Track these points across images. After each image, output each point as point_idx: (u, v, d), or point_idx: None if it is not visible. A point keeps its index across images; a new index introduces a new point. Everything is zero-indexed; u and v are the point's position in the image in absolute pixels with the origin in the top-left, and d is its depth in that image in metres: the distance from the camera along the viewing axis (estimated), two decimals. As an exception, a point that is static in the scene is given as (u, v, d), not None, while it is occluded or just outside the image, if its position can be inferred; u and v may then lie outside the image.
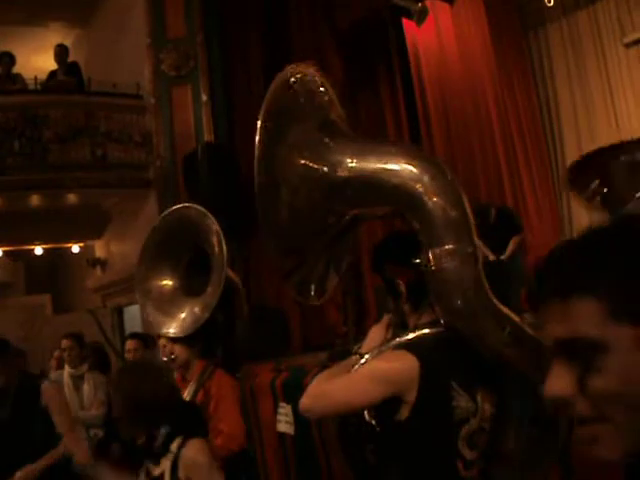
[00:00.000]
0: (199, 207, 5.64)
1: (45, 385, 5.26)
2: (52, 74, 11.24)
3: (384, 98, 11.91)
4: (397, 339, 2.68)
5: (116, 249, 12.19)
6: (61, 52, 11.46)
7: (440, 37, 11.53)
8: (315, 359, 6.44)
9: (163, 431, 3.36)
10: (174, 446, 3.31)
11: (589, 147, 11.32)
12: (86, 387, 6.78)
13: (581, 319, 1.09)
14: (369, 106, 11.82)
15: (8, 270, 14.26)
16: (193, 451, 3.30)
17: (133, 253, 11.26)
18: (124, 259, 11.52)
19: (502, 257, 8.33)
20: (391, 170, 2.57)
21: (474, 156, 11.09)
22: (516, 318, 2.50)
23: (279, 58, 10.64)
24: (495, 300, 2.52)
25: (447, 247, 2.45)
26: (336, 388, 2.54)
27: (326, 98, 2.87)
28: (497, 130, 11.06)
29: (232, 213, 9.23)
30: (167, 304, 5.42)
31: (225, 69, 10.53)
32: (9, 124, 10.10)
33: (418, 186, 2.51)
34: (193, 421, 3.49)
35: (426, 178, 2.52)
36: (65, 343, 6.75)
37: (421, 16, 11.46)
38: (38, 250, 12.91)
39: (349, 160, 2.62)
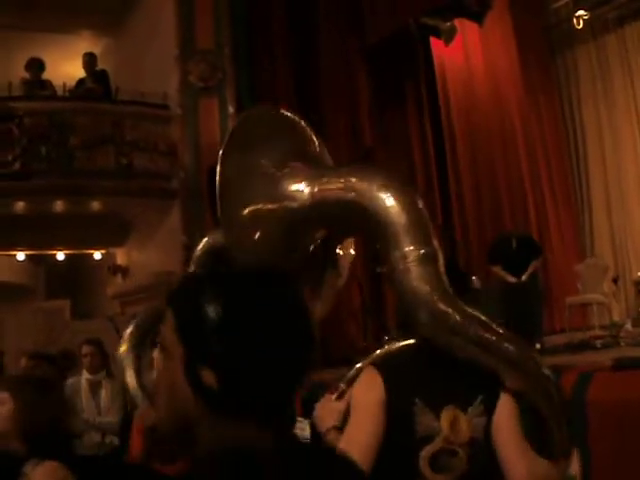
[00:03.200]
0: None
1: None
2: (80, 82, 11.33)
3: (410, 115, 11.91)
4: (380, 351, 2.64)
5: (138, 257, 12.23)
6: (90, 60, 11.55)
7: (468, 56, 11.55)
8: (335, 374, 6.42)
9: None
10: (28, 468, 3.00)
11: (614, 170, 11.34)
12: (104, 393, 6.79)
13: None
14: (395, 123, 11.83)
15: (29, 274, 14.35)
16: (41, 475, 2.96)
17: (154, 262, 11.38)
18: (145, 268, 11.55)
19: (523, 278, 8.61)
20: (345, 188, 2.52)
21: (498, 174, 11.10)
22: (482, 317, 2.38)
23: (307, 72, 10.70)
24: (458, 300, 2.40)
25: (405, 250, 2.35)
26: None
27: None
28: (522, 149, 11.05)
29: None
30: None
31: (252, 82, 10.58)
32: (37, 129, 10.19)
33: (367, 197, 2.45)
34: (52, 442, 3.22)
35: (375, 188, 2.45)
36: (86, 349, 6.76)
37: (449, 35, 11.49)
38: (60, 255, 12.96)
39: (306, 186, 2.61)
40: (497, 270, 8.93)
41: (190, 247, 10.28)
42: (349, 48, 10.99)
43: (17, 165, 10.11)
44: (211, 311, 1.29)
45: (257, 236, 2.66)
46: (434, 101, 11.67)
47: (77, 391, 6.71)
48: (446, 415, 2.38)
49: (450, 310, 2.34)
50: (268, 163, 2.67)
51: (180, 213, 10.40)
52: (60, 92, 11.39)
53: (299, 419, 5.40)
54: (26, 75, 11.30)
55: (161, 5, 11.30)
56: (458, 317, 2.34)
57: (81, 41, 13.00)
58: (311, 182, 2.61)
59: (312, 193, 2.59)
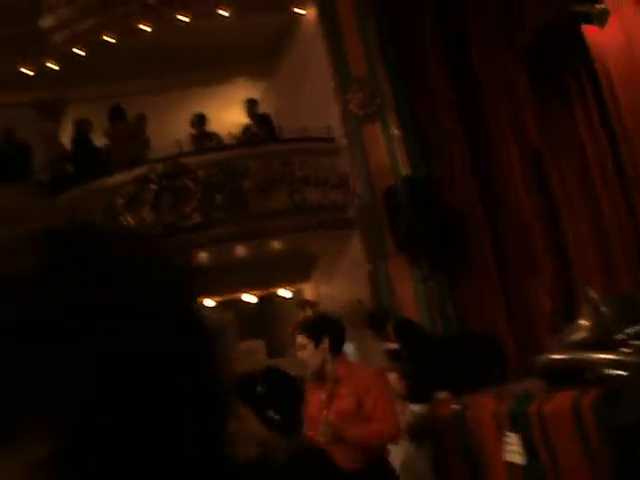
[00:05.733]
0: None
1: None
2: (246, 128, 11.71)
3: (576, 112, 11.37)
4: None
5: (325, 290, 12.38)
6: (251, 106, 11.97)
7: (627, 34, 11.02)
8: (536, 385, 6.30)
9: None
10: None
11: None
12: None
13: None
14: (561, 122, 11.34)
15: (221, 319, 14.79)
16: None
17: (342, 293, 11.48)
18: (334, 300, 11.66)
19: None
20: None
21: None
22: None
23: (464, 81, 10.56)
24: None
25: None
26: None
27: None
28: None
29: (438, 246, 9.25)
30: None
31: (411, 101, 10.60)
32: (210, 180, 10.56)
33: None
34: None
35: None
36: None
37: (602, 17, 11.05)
38: (248, 297, 13.30)
39: None
40: None
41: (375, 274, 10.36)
42: (503, 50, 10.79)
43: (196, 217, 10.50)
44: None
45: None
46: (598, 91, 11.18)
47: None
48: None
49: None
50: None
51: (361, 241, 10.50)
52: (226, 140, 11.80)
53: (507, 434, 5.30)
54: (192, 131, 11.78)
55: (311, 41, 11.54)
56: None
57: (238, 89, 13.41)
58: None
59: None
